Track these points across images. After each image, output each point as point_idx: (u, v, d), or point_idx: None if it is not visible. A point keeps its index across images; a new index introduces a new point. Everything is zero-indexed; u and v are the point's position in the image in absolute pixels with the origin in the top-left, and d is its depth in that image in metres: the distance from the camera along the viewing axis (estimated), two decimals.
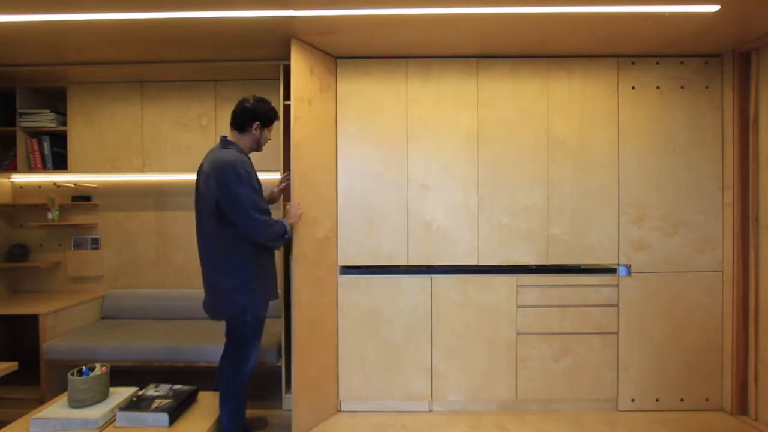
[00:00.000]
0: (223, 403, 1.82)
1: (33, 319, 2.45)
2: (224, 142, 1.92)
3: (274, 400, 2.52)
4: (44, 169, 2.79)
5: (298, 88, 2.17)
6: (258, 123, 1.91)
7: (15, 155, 2.80)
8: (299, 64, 2.19)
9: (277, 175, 2.74)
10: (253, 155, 1.90)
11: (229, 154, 1.83)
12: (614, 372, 2.38)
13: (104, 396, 1.69)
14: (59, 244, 3.00)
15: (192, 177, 2.90)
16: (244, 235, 1.80)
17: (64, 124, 2.79)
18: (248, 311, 1.85)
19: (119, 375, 2.83)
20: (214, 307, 1.87)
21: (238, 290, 1.82)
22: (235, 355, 1.88)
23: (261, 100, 1.92)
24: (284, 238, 1.91)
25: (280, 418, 2.34)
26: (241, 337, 1.87)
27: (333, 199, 2.41)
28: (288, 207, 2.05)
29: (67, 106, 2.77)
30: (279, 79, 2.44)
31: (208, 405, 1.77)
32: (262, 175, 2.81)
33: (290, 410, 2.37)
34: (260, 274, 1.89)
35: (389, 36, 2.16)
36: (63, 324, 2.56)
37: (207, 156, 1.91)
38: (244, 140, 1.93)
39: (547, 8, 1.88)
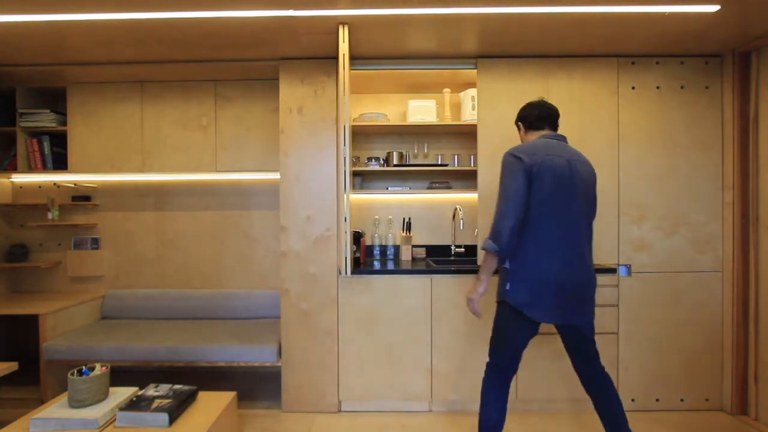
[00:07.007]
0: None
1: (33, 319, 2.46)
2: (564, 139, 1.83)
3: (274, 401, 2.52)
4: (44, 169, 2.79)
5: (284, 101, 2.29)
6: (521, 124, 1.90)
7: (15, 155, 2.80)
8: (285, 83, 2.37)
9: (277, 175, 2.73)
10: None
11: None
12: (614, 372, 2.38)
13: (104, 396, 1.69)
14: (59, 244, 3.00)
15: (191, 177, 2.92)
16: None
17: (64, 124, 2.79)
18: None
19: (119, 375, 2.84)
20: (587, 306, 1.76)
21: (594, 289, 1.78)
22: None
23: (529, 105, 1.88)
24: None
25: (279, 419, 2.33)
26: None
27: (331, 198, 2.41)
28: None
29: (67, 106, 2.77)
30: (278, 78, 2.44)
31: (208, 405, 1.77)
32: (260, 175, 2.86)
33: (290, 411, 2.38)
34: None
35: (388, 36, 2.17)
36: (63, 324, 2.56)
37: (557, 148, 1.74)
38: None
39: (548, 8, 1.88)
